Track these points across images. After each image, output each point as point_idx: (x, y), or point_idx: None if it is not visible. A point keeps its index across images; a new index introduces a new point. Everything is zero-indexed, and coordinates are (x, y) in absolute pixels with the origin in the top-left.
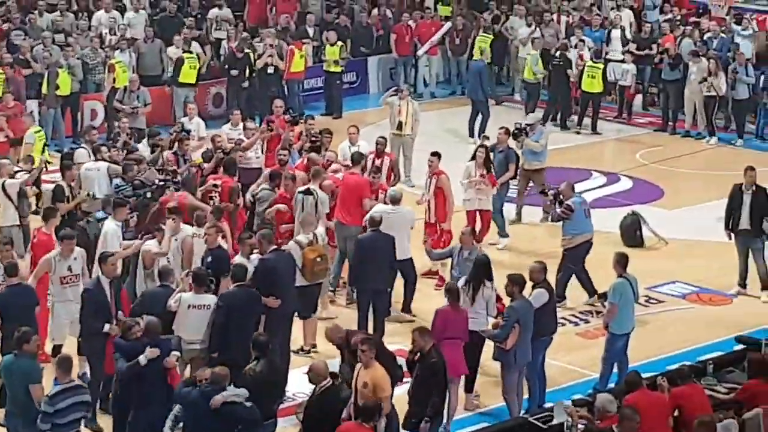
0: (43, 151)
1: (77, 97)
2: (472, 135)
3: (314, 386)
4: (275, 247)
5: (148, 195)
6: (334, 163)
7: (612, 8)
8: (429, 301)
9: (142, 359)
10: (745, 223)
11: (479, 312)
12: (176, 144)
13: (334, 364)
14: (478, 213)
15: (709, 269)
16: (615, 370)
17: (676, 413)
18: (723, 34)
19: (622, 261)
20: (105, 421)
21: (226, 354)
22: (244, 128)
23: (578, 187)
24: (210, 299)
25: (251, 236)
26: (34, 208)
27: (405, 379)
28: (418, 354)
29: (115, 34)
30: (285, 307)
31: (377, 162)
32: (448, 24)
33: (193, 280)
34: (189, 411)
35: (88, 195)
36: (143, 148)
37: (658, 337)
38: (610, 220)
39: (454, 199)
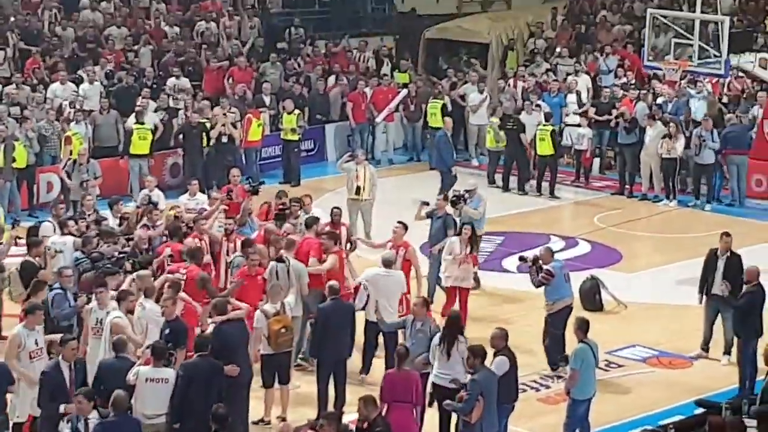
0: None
1: (33, 169)
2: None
3: None
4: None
5: (107, 268)
6: (291, 234)
7: (569, 73)
8: None
9: None
10: (717, 288)
11: (455, 368)
12: (144, 217)
13: None
14: (458, 290)
15: (668, 332)
16: None
17: None
18: (677, 98)
19: (583, 326)
20: None
21: (187, 425)
22: (209, 197)
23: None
24: (168, 373)
25: None
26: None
27: None
28: (365, 423)
29: (74, 106)
30: (240, 375)
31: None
32: (404, 91)
33: (152, 353)
34: None
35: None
36: (112, 220)
37: (619, 402)
38: None
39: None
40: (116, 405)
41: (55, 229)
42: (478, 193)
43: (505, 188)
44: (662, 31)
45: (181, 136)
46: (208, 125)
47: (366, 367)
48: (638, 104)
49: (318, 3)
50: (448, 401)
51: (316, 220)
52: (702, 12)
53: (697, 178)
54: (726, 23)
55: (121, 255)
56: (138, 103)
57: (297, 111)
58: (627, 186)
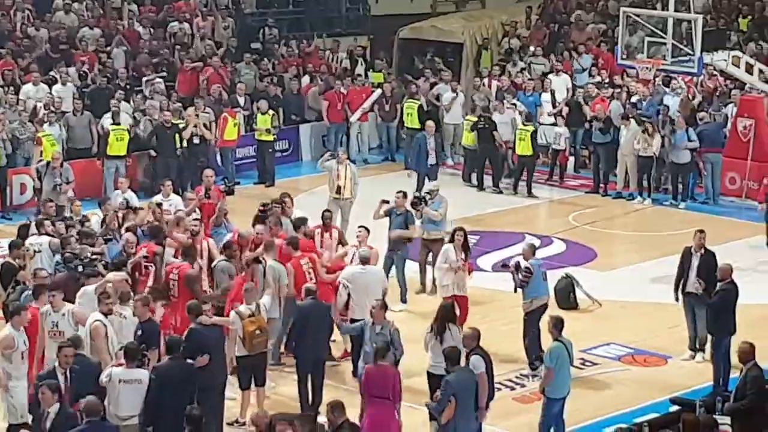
0: None
1: (5, 171)
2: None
3: None
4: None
5: (80, 269)
6: (265, 236)
7: (545, 73)
8: None
9: None
10: (691, 286)
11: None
12: (124, 219)
13: None
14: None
15: (643, 330)
16: None
17: None
18: (651, 96)
19: (557, 325)
20: None
21: (160, 428)
22: (184, 198)
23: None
24: (141, 374)
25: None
26: None
27: None
28: (333, 428)
29: (48, 108)
30: (215, 378)
31: (326, 235)
32: (379, 91)
33: (124, 354)
34: None
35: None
36: (95, 221)
37: (594, 400)
38: None
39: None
40: (89, 411)
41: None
42: (440, 195)
43: (480, 187)
44: (636, 29)
45: (155, 138)
46: (182, 126)
47: (355, 367)
48: (612, 103)
49: (292, 3)
50: (427, 401)
51: (304, 220)
52: (675, 10)
53: (675, 177)
54: (699, 21)
55: (94, 256)
56: (112, 104)
57: (271, 111)
58: (602, 184)
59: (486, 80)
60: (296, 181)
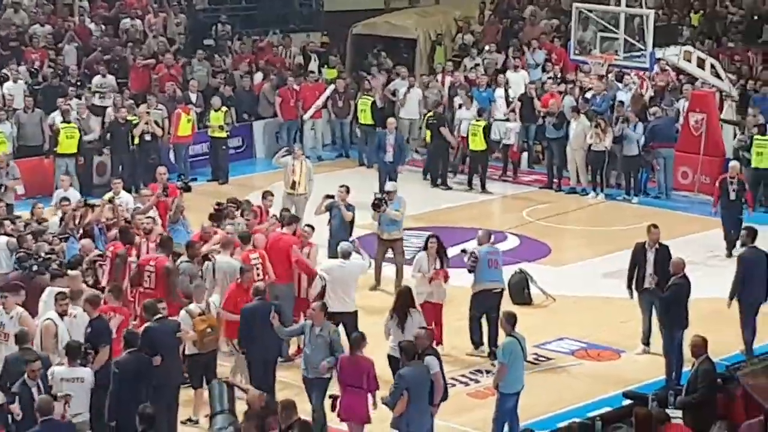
0: None
1: None
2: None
3: None
4: (160, 316)
5: (34, 268)
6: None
7: (498, 70)
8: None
9: None
10: (648, 281)
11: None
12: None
13: None
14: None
15: (596, 325)
16: (506, 429)
17: None
18: (605, 91)
19: (510, 320)
20: None
21: (120, 421)
22: (139, 195)
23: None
24: (84, 372)
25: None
26: None
27: None
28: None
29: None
30: (170, 377)
31: (306, 249)
32: (332, 87)
33: (66, 353)
34: None
35: None
36: (54, 221)
37: (547, 395)
38: None
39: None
40: (42, 411)
41: None
42: (398, 195)
43: (434, 183)
44: (588, 25)
45: (108, 135)
46: (135, 123)
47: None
48: (565, 98)
49: None
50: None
51: (294, 218)
52: (627, 6)
53: (627, 172)
54: (651, 17)
55: (48, 255)
56: (63, 102)
57: (224, 108)
58: (555, 180)
59: (439, 76)
60: (250, 178)
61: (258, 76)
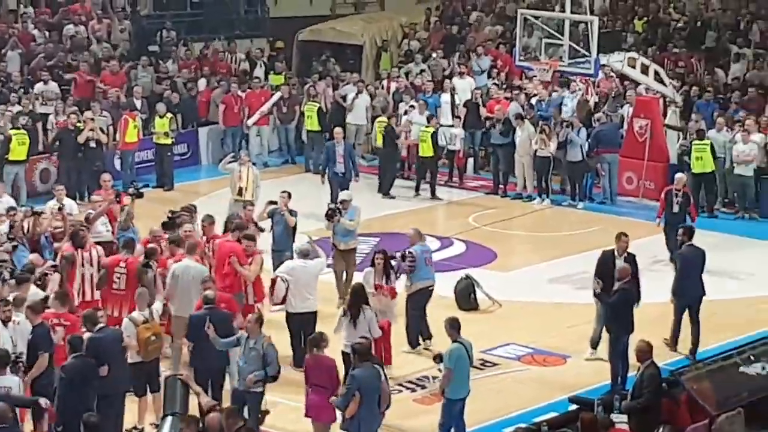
0: None
1: None
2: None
3: None
4: (102, 325)
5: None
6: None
7: (446, 76)
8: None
9: None
10: (594, 285)
11: (364, 335)
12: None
13: None
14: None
15: (542, 330)
16: None
17: None
18: (550, 97)
19: (455, 325)
20: None
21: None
22: (90, 201)
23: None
24: (11, 381)
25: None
26: None
27: None
28: None
29: None
30: (117, 385)
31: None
32: (278, 94)
33: None
34: None
35: None
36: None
37: (494, 400)
38: (443, 284)
39: None
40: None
41: None
42: (353, 205)
43: (380, 190)
44: (533, 31)
45: (57, 142)
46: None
47: (297, 359)
48: (511, 104)
49: (190, 5)
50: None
51: (242, 226)
52: (572, 12)
53: (571, 177)
54: (595, 23)
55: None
56: (5, 109)
57: (169, 114)
58: (501, 185)
59: (384, 82)
60: (196, 184)
61: (202, 83)
